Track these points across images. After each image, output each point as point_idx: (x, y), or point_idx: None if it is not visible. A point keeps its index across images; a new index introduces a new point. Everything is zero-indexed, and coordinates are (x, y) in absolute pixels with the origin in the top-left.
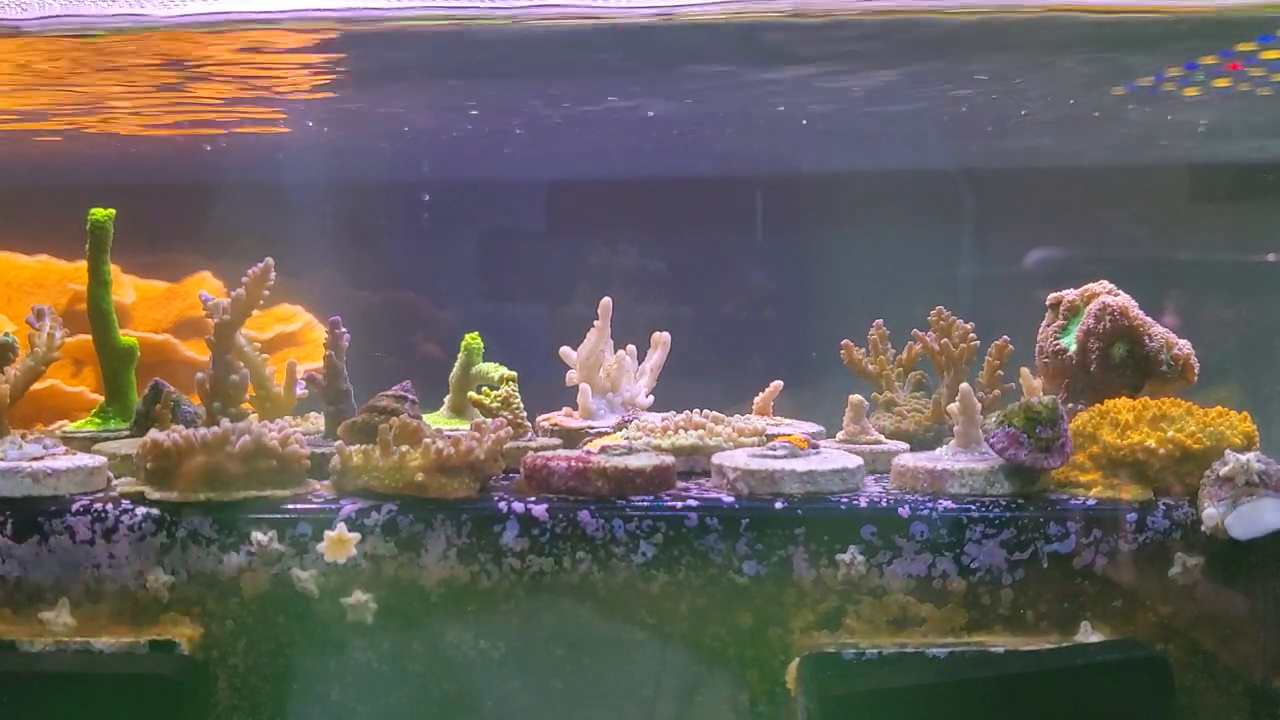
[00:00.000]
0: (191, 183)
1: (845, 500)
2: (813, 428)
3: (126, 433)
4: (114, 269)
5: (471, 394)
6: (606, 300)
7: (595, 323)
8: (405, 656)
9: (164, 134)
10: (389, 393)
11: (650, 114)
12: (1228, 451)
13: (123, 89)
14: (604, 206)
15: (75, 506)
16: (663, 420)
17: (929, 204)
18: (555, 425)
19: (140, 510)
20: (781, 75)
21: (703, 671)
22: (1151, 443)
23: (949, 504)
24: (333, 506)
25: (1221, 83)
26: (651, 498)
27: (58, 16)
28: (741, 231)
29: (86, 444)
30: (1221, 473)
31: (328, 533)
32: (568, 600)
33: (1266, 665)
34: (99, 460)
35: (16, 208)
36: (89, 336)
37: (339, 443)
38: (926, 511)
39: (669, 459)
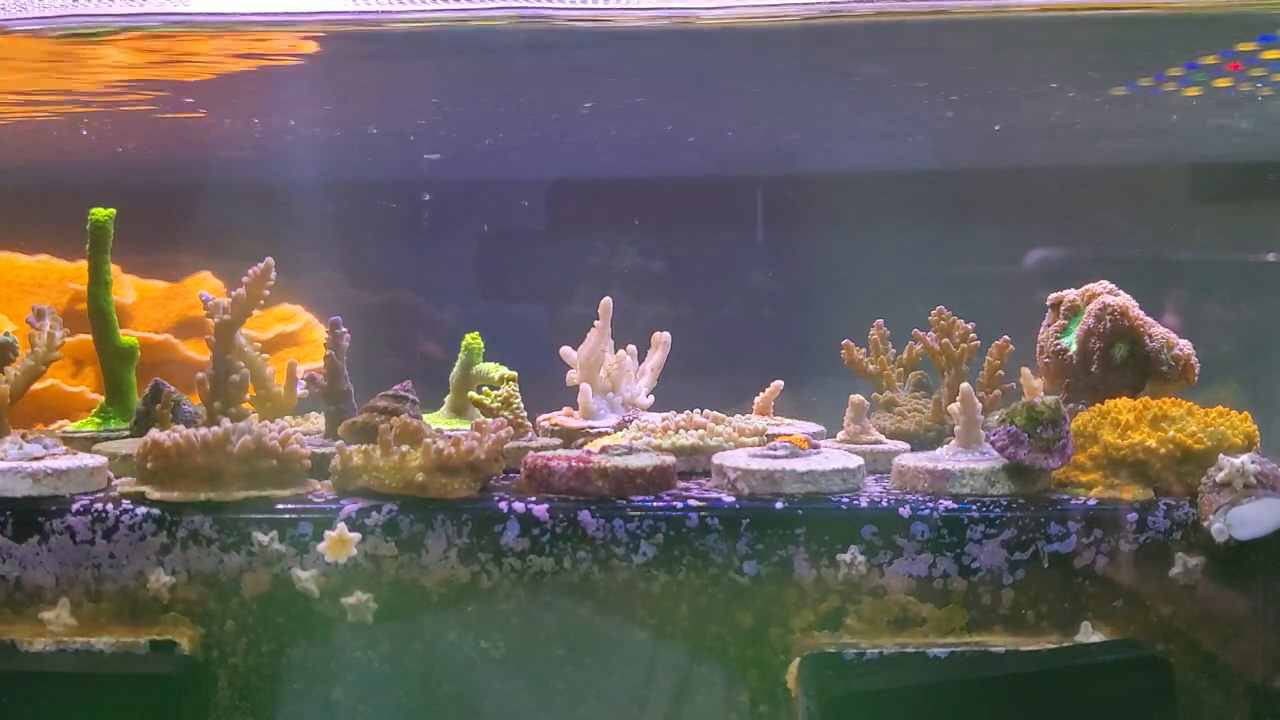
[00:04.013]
0: (191, 182)
1: (846, 500)
2: (813, 428)
3: (126, 433)
4: (114, 269)
5: (472, 394)
6: (607, 300)
7: (595, 322)
8: (405, 656)
9: (163, 134)
10: (389, 392)
11: (650, 114)
12: (1222, 456)
13: (120, 89)
14: (604, 206)
15: (75, 506)
16: (663, 420)
17: (929, 204)
18: (556, 425)
19: (140, 510)
20: (781, 76)
21: (703, 671)
22: (1152, 443)
23: (950, 504)
24: (333, 506)
25: (1222, 83)
26: (652, 498)
27: (52, 16)
28: (741, 231)
29: (87, 444)
30: (1218, 478)
31: (328, 533)
32: (568, 600)
33: (1267, 665)
34: (99, 460)
35: (17, 207)
36: (89, 336)
37: (339, 443)
38: (927, 511)
39: (669, 459)
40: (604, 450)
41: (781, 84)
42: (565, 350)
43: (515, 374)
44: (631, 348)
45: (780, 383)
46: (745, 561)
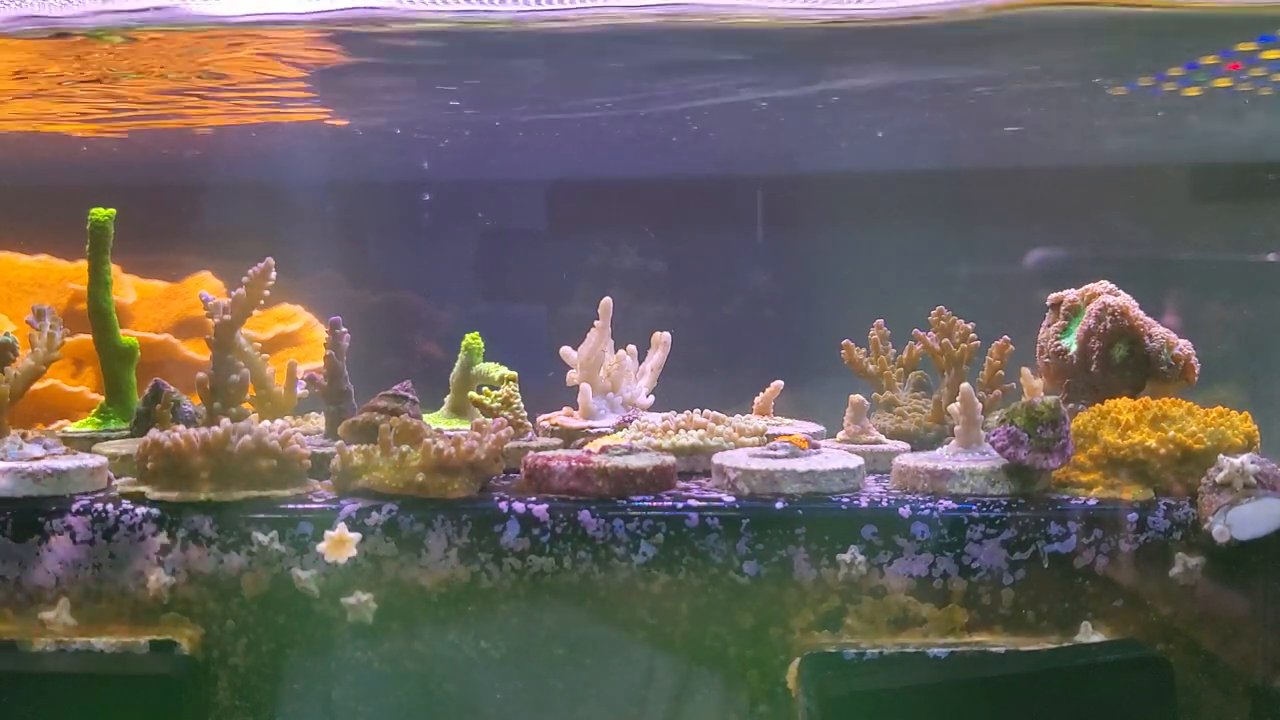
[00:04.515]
0: (192, 183)
1: (846, 500)
2: (813, 428)
3: (126, 433)
4: (114, 269)
5: (472, 394)
6: (607, 300)
7: (595, 322)
8: (405, 656)
9: (163, 134)
10: (389, 392)
11: (650, 114)
12: (1221, 456)
13: (121, 89)
14: (604, 206)
15: (75, 506)
16: (663, 420)
17: (929, 204)
18: (556, 425)
19: (140, 510)
20: (782, 76)
21: (703, 671)
22: (1152, 443)
23: (950, 504)
24: (333, 506)
25: (1222, 83)
26: (652, 497)
27: (56, 18)
28: (741, 231)
29: (86, 444)
30: (1218, 479)
31: (328, 532)
32: (568, 600)
33: (1267, 665)
34: (99, 460)
35: (17, 208)
36: (89, 336)
37: (339, 443)
38: (927, 511)
39: (669, 459)
40: (604, 450)
41: (781, 83)
42: (565, 350)
43: (515, 374)
44: (631, 348)
45: (780, 383)
46: (745, 561)
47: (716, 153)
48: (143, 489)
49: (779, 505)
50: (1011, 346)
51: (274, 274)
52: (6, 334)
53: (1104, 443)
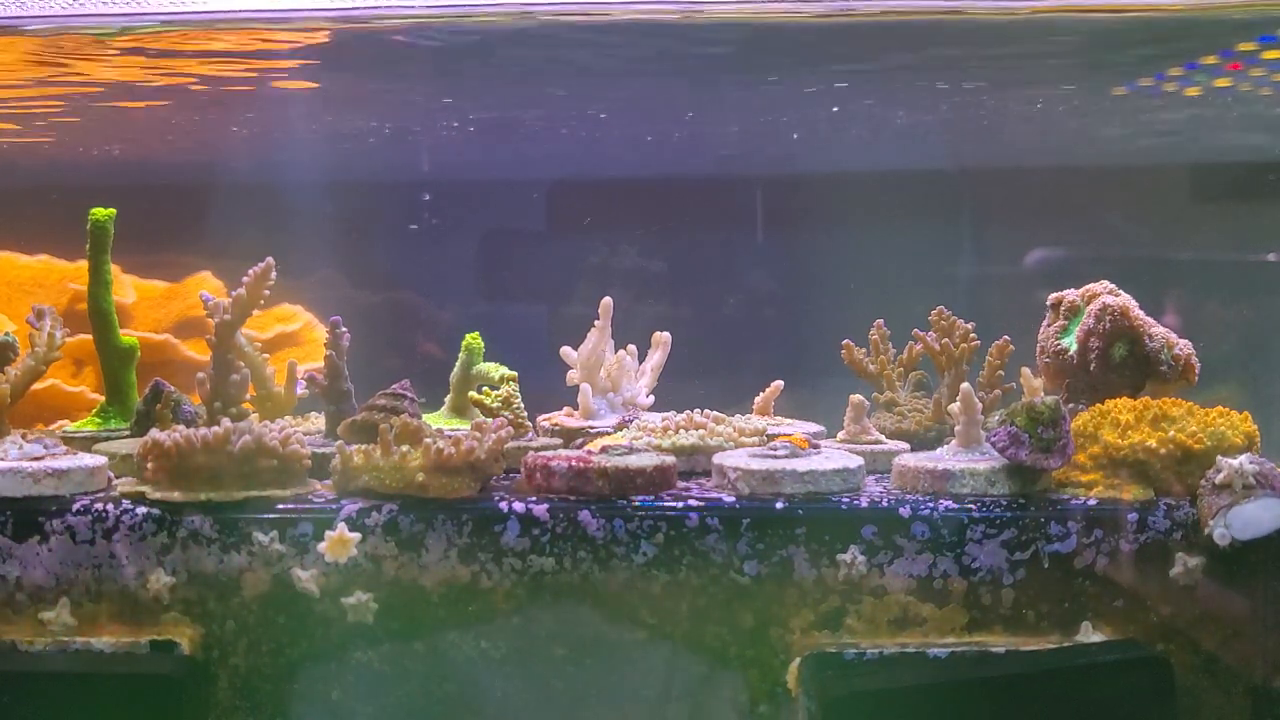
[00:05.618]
0: (192, 183)
1: (846, 500)
2: (813, 428)
3: (127, 433)
4: (114, 269)
5: (472, 394)
6: (607, 300)
7: (596, 322)
8: (406, 656)
9: (162, 134)
10: (389, 391)
11: (651, 113)
12: (1220, 458)
13: (120, 87)
14: (604, 206)
15: (76, 506)
16: (663, 420)
17: (929, 204)
18: (556, 425)
19: (141, 510)
20: (782, 76)
21: (704, 671)
22: (1152, 443)
23: (950, 504)
24: (333, 506)
25: (1222, 83)
26: (652, 497)
27: (55, 16)
28: (741, 231)
29: (87, 444)
30: (1217, 480)
31: (328, 532)
32: (568, 600)
33: (1267, 665)
34: (99, 460)
35: (17, 207)
36: (89, 336)
37: (339, 443)
38: (927, 511)
39: (670, 459)
40: (604, 450)
41: (782, 83)
42: (565, 350)
43: (515, 374)
44: (632, 348)
45: (780, 383)
46: (745, 561)
47: (716, 153)
48: (143, 489)
49: (779, 505)
50: (1011, 346)
51: (274, 274)
52: (6, 334)
53: (1104, 443)
